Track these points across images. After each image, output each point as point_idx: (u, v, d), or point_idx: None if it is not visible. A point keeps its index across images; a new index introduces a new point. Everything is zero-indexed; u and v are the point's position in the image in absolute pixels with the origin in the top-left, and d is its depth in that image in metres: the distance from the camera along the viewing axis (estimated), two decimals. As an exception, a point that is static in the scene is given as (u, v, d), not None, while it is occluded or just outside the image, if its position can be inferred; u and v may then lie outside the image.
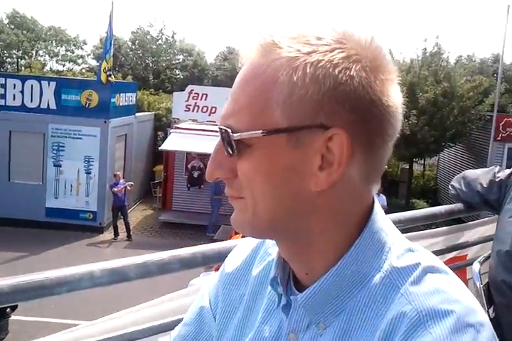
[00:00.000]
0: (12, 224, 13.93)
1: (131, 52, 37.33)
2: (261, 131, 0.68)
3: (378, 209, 0.76)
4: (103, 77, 14.10)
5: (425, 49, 18.79)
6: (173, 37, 38.82)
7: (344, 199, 0.72)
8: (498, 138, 15.81)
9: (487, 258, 2.30)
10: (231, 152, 0.70)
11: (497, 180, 2.17)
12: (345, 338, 0.71)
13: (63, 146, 14.53)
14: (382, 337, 0.68)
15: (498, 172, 2.21)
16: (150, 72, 35.72)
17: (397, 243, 0.75)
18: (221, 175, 0.73)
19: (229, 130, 0.69)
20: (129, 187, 14.05)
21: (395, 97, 0.71)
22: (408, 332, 0.66)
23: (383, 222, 0.76)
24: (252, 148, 0.69)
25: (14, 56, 38.80)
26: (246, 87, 0.70)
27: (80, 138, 14.45)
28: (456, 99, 17.23)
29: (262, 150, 0.69)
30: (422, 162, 22.63)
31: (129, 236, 14.34)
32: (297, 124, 0.67)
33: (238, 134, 0.69)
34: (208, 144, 15.03)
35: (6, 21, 38.18)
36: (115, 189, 13.76)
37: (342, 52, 0.68)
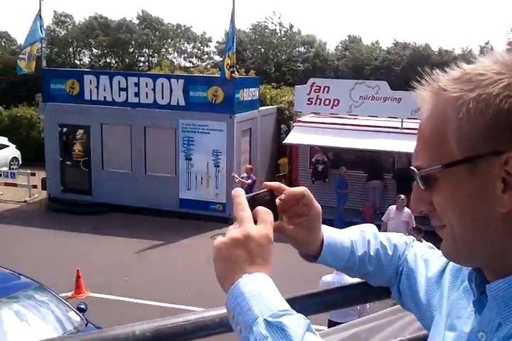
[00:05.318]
0: (148, 213, 14.85)
1: (251, 47, 38.04)
2: (440, 165, 0.77)
3: None
4: (227, 74, 14.38)
5: None
6: (291, 28, 39.06)
7: None
8: None
9: None
10: (423, 187, 0.80)
11: None
12: None
13: (193, 141, 15.06)
14: None
15: None
16: (271, 65, 36.21)
17: None
18: (424, 209, 0.83)
19: (415, 169, 0.80)
20: (246, 181, 13.77)
21: None
22: None
23: None
24: (438, 181, 0.78)
25: (146, 54, 41.17)
26: (425, 128, 0.81)
27: (208, 133, 14.88)
28: None
29: (447, 182, 0.77)
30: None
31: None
32: (472, 154, 0.74)
33: (422, 171, 0.80)
34: (330, 137, 15.02)
35: (136, 22, 40.49)
36: (245, 181, 13.71)
37: (502, 82, 0.74)
